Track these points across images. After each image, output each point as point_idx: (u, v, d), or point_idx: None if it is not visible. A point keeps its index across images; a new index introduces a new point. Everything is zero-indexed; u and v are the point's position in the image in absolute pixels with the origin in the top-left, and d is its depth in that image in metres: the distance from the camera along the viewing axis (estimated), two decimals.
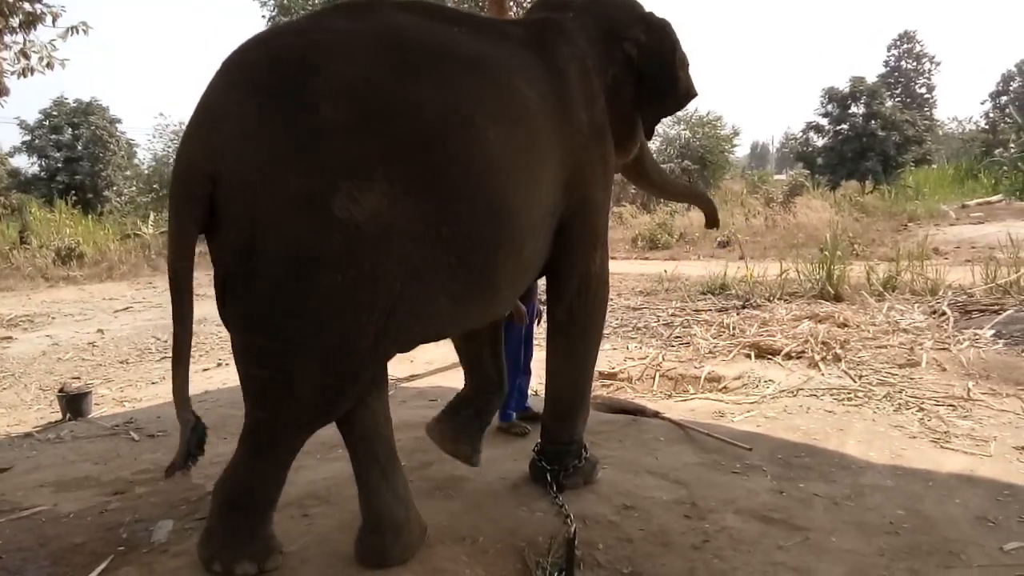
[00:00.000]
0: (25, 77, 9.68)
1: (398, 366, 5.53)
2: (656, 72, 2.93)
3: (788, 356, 4.95)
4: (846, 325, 5.74)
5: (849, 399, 4.02)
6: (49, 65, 9.61)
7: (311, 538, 2.59)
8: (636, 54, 2.87)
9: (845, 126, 24.00)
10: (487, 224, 2.21)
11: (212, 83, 2.07)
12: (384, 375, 2.48)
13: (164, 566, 2.45)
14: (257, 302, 2.04)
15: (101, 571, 2.43)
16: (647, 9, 3.04)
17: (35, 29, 9.58)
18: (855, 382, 4.33)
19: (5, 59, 9.81)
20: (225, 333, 7.65)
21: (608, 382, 4.74)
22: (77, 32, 9.79)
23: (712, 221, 3.56)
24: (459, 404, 3.02)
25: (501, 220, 2.24)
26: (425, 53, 2.17)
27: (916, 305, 6.47)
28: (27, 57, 9.54)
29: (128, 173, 24.46)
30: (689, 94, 3.06)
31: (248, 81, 2.01)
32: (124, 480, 3.39)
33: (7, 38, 9.57)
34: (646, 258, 12.96)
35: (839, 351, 4.90)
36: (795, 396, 4.11)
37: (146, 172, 22.26)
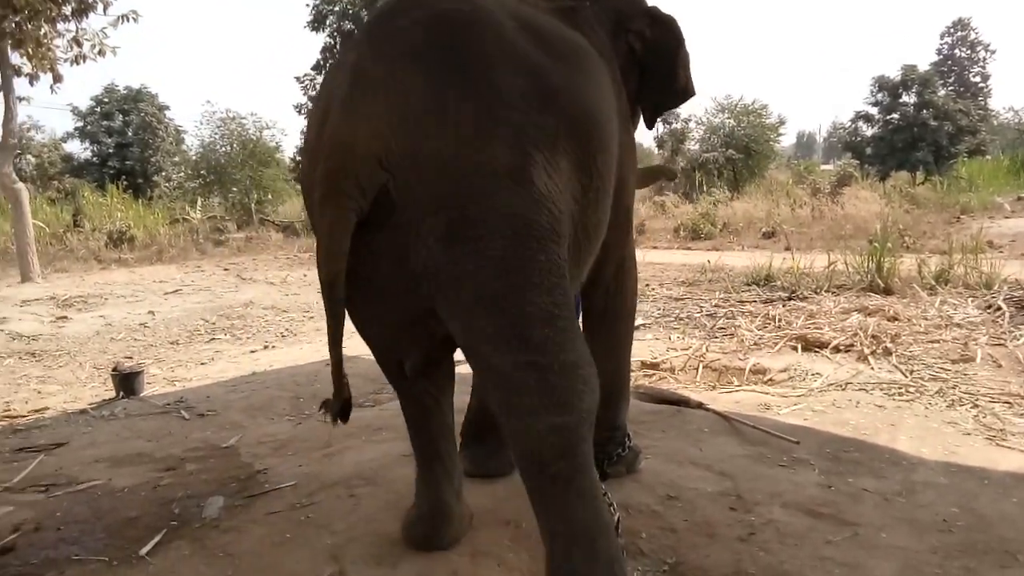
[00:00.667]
0: (78, 64, 9.97)
1: None
2: (657, 67, 2.89)
3: (836, 349, 4.86)
4: (896, 319, 5.61)
5: (900, 394, 3.93)
6: (101, 52, 9.88)
7: (357, 517, 2.63)
8: (639, 47, 2.84)
9: (896, 115, 23.40)
10: (605, 213, 2.20)
11: (356, 57, 1.84)
12: (453, 369, 2.48)
13: (215, 541, 2.51)
14: (485, 283, 1.79)
15: (155, 545, 2.50)
16: (654, 3, 3.00)
17: (87, 17, 9.87)
18: (906, 377, 4.23)
19: (58, 46, 10.11)
20: (272, 316, 7.79)
21: (650, 372, 4.70)
22: (127, 20, 10.05)
23: (670, 175, 3.62)
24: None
25: (607, 208, 2.23)
26: (551, 36, 2.08)
27: (970, 299, 6.29)
28: (79, 45, 9.82)
29: (176, 159, 24.95)
30: (687, 92, 3.02)
31: (409, 52, 1.80)
32: (175, 457, 3.48)
33: (60, 26, 9.85)
34: (688, 248, 12.82)
35: (889, 345, 4.79)
36: (844, 390, 4.03)
37: (193, 158, 22.66)
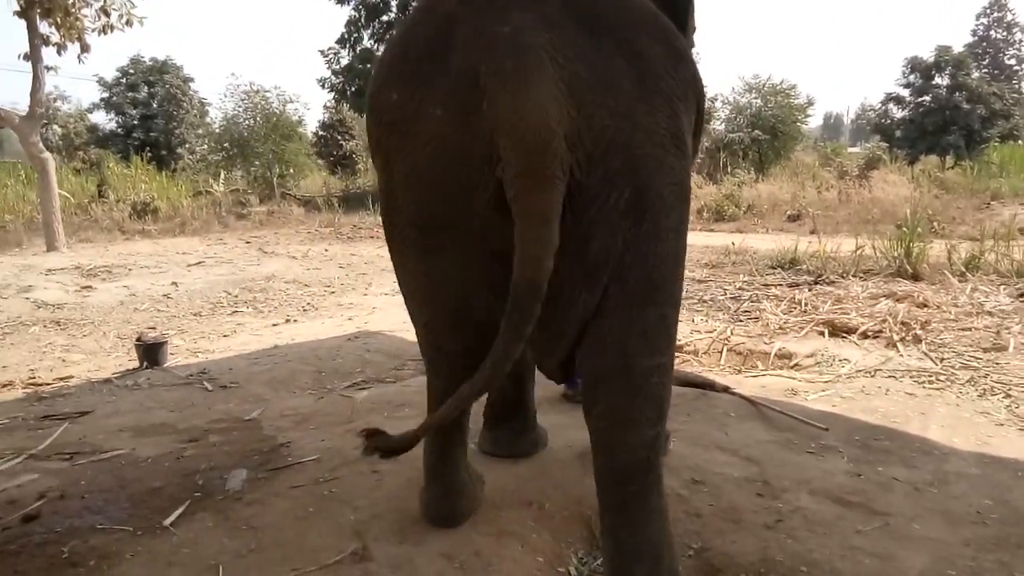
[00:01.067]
0: (105, 34, 9.97)
1: None
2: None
3: (864, 335, 4.77)
4: (926, 305, 5.50)
5: (930, 382, 3.85)
6: (128, 23, 9.87)
7: (380, 494, 2.62)
8: None
9: (927, 98, 22.98)
10: None
11: (509, 30, 1.61)
12: None
13: (238, 513, 2.50)
14: (662, 265, 1.74)
15: (178, 515, 2.50)
16: None
17: None
18: (936, 365, 4.14)
19: (86, 16, 10.11)
20: (294, 289, 7.83)
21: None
22: None
23: None
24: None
25: None
26: None
27: (1001, 287, 6.16)
28: (107, 14, 9.81)
29: (200, 131, 25.05)
30: (694, 30, 2.93)
31: (560, 19, 1.64)
32: (199, 428, 3.49)
33: None
34: (712, 230, 12.67)
35: (919, 332, 4.69)
36: (873, 377, 3.95)
37: (217, 131, 22.71)
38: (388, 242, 2.06)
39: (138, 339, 4.95)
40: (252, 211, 17.15)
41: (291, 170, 22.22)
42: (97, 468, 3.01)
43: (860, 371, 4.07)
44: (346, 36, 22.23)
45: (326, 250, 11.13)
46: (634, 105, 1.64)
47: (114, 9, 9.83)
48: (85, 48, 10.08)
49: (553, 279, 1.60)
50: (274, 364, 4.78)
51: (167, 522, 2.45)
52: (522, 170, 1.56)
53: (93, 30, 9.92)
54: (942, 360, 4.23)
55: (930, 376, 3.94)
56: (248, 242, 12.46)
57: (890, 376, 3.96)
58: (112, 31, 9.91)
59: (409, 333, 5.64)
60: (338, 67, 22.20)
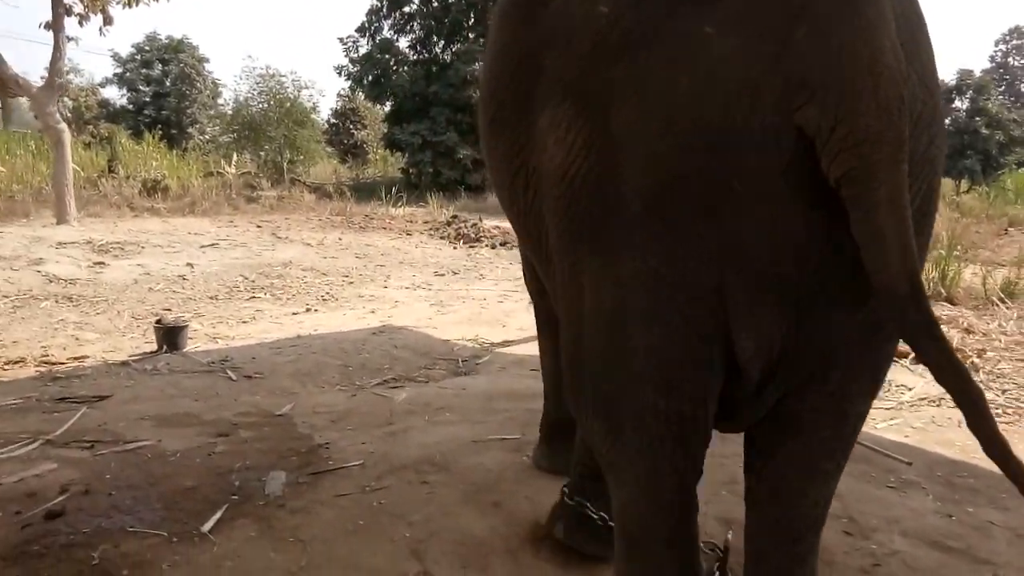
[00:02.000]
0: (131, 7, 9.74)
1: (492, 331, 5.33)
2: None
3: (916, 360, 4.56)
4: (971, 331, 5.30)
5: (998, 415, 3.64)
6: None
7: (434, 509, 2.40)
8: None
9: (946, 121, 22.78)
10: None
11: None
12: None
13: (283, 522, 2.29)
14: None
15: (216, 521, 2.29)
16: None
17: None
18: (1000, 396, 3.94)
19: None
20: (312, 278, 7.63)
21: None
22: None
23: None
24: None
25: None
26: None
27: None
28: None
29: (212, 112, 24.82)
30: None
31: None
32: (227, 422, 3.27)
33: None
34: None
35: (976, 360, 4.49)
36: (939, 406, 3.74)
37: (229, 113, 22.49)
38: (560, 230, 1.37)
39: (158, 321, 4.73)
40: (263, 195, 16.89)
41: (302, 156, 22.01)
42: (122, 460, 2.80)
43: (923, 399, 3.86)
44: (366, 25, 21.97)
45: (340, 238, 10.89)
46: (933, 82, 1.28)
47: None
48: (108, 20, 9.86)
49: (837, 288, 1.22)
50: (299, 355, 4.56)
51: (205, 528, 2.24)
52: (873, 134, 1.10)
53: (118, 3, 9.68)
54: (1004, 392, 4.02)
55: (997, 408, 3.73)
56: (259, 226, 12.21)
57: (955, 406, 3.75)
58: (138, 4, 9.68)
59: (436, 330, 5.46)
60: (356, 56, 21.93)
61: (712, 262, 1.20)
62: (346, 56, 22.08)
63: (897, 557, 2.24)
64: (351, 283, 7.35)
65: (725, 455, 2.56)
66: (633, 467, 1.37)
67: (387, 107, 22.48)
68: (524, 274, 2.79)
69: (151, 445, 2.96)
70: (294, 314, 5.90)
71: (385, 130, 22.57)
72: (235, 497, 2.47)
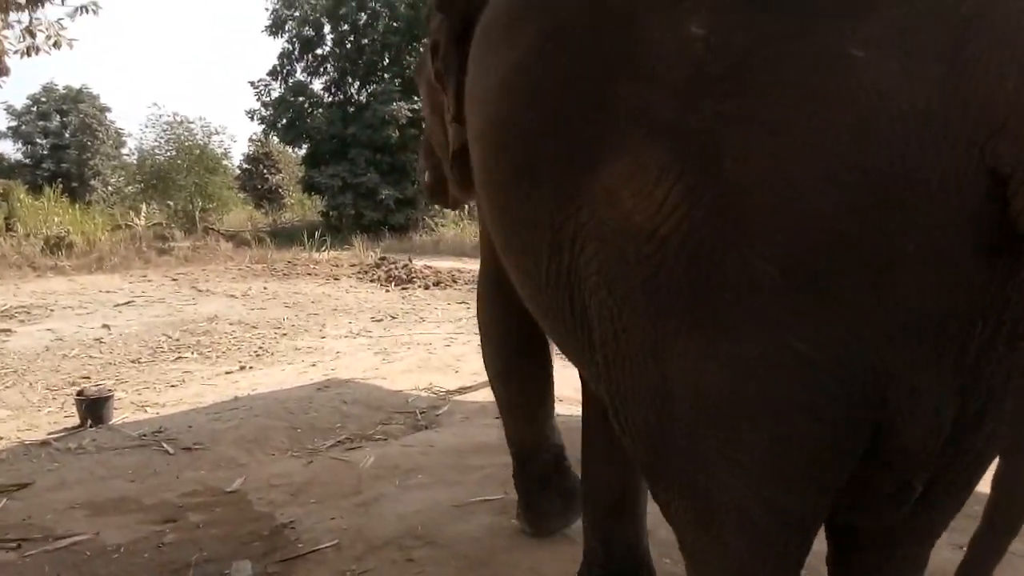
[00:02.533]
0: (29, 56, 9.11)
1: (444, 377, 5.12)
2: None
3: None
4: None
5: None
6: (56, 44, 9.04)
7: None
8: None
9: None
10: None
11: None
12: None
13: None
14: None
15: None
16: None
17: (42, 7, 9.05)
18: None
19: (7, 37, 9.25)
20: (241, 332, 7.19)
21: None
22: (86, 11, 9.28)
23: None
24: None
25: None
26: None
27: None
28: (33, 36, 8.99)
29: (115, 163, 23.80)
30: None
31: None
32: (171, 504, 2.94)
33: (12, 15, 9.02)
34: None
35: None
36: None
37: (135, 163, 21.61)
38: (635, 303, 1.10)
39: (79, 392, 4.30)
40: (175, 246, 16.15)
41: (214, 204, 21.29)
42: (56, 561, 2.45)
43: None
44: (278, 68, 21.56)
45: (265, 287, 10.44)
46: None
47: (41, 31, 8.99)
48: (4, 71, 9.19)
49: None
50: (240, 420, 4.21)
51: None
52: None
53: (16, 52, 9.06)
54: None
55: None
56: (175, 279, 11.61)
57: None
58: (38, 53, 9.06)
59: (386, 380, 5.19)
60: (269, 99, 21.46)
61: (875, 339, 0.96)
62: (258, 100, 21.58)
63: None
64: (284, 335, 6.98)
65: None
66: (725, 563, 1.16)
67: (303, 150, 22.03)
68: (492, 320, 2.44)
69: (88, 540, 2.61)
70: (227, 373, 5.51)
71: (302, 173, 22.09)
72: None
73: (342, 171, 19.05)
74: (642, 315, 1.10)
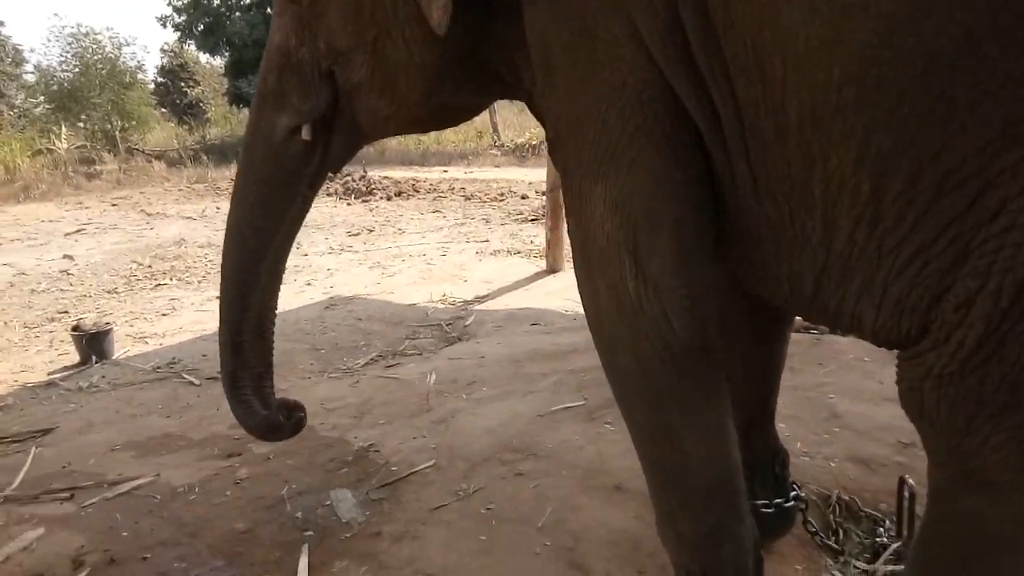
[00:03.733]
0: None
1: (456, 287, 4.94)
2: None
3: None
4: None
5: None
6: None
7: (557, 506, 2.05)
8: None
9: None
10: None
11: None
12: None
13: (393, 557, 1.87)
14: None
15: (309, 571, 1.84)
16: None
17: None
18: None
19: None
20: (215, 254, 6.84)
21: None
22: None
23: None
24: None
25: None
26: None
27: None
28: None
29: (17, 84, 21.86)
30: None
31: None
32: (226, 437, 2.74)
33: None
34: None
35: None
36: None
37: (41, 81, 19.82)
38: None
39: (75, 328, 3.96)
40: (103, 169, 15.16)
41: (133, 122, 19.87)
42: (126, 508, 2.24)
43: None
44: None
45: (218, 208, 9.88)
46: None
47: None
48: None
49: None
50: None
51: None
52: None
53: None
54: None
55: None
56: (115, 204, 10.89)
57: None
58: None
59: (394, 295, 4.96)
60: (181, 3, 19.76)
61: None
62: (169, 4, 19.86)
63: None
64: None
65: None
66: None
67: (225, 59, 20.57)
68: None
69: (150, 483, 2.40)
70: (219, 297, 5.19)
71: (226, 85, 20.74)
72: (309, 534, 2.01)
73: None
74: None
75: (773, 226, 1.12)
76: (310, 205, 1.69)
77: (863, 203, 1.02)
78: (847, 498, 2.06)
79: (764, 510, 1.71)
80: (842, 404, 2.58)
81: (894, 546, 1.89)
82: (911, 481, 1.89)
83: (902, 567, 1.83)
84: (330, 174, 1.70)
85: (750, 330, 1.61)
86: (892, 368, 2.84)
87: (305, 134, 1.50)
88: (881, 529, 1.98)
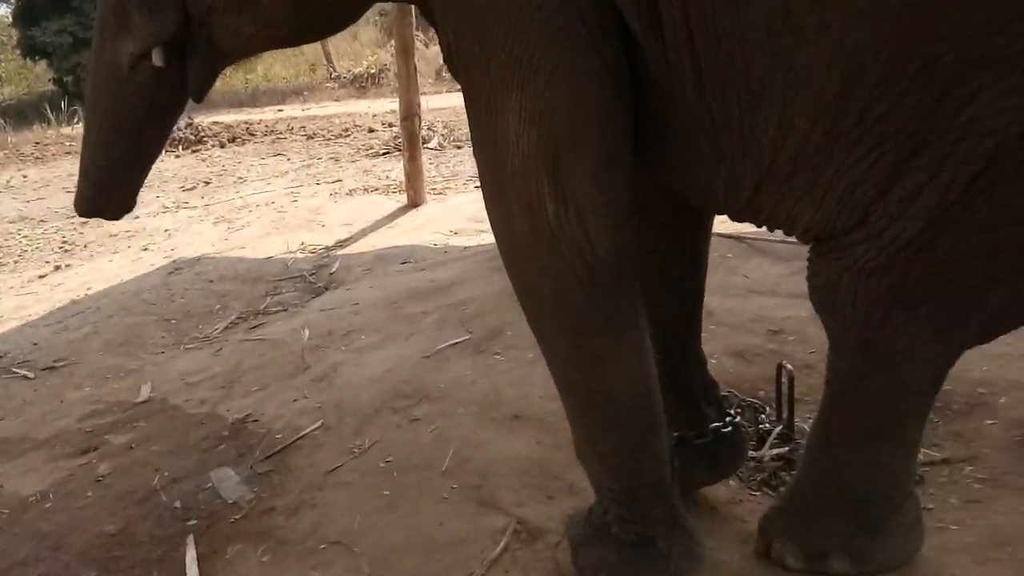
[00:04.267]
0: None
1: (313, 234, 4.67)
2: None
3: None
4: None
5: None
6: None
7: (457, 447, 1.98)
8: None
9: None
10: None
11: None
12: None
13: (292, 531, 1.74)
14: None
15: (199, 560, 1.68)
16: None
17: None
18: None
19: None
20: (30, 229, 6.11)
21: None
22: None
23: None
24: None
25: None
26: None
27: None
28: None
29: None
30: None
31: None
32: (76, 432, 2.45)
33: None
34: None
35: None
36: None
37: None
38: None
39: None
40: None
41: None
42: None
43: None
44: None
45: (25, 176, 8.81)
46: None
47: None
48: None
49: None
50: (94, 324, 3.57)
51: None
52: None
53: None
54: None
55: None
56: None
57: None
58: None
59: (246, 249, 4.62)
60: None
61: None
62: None
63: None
64: (85, 223, 5.96)
65: None
66: None
67: (11, 5, 18.17)
68: None
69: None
70: (40, 278, 4.64)
71: (17, 35, 18.35)
72: (192, 523, 1.84)
73: (69, 25, 16.05)
74: None
75: (716, 126, 1.04)
76: (167, 139, 1.50)
77: (828, 101, 0.95)
78: (728, 391, 2.12)
79: (698, 440, 1.60)
80: (713, 301, 2.64)
81: (777, 430, 1.98)
82: (789, 367, 1.97)
83: (787, 449, 1.92)
84: None
85: (669, 235, 1.49)
86: (753, 262, 2.95)
87: (156, 59, 1.30)
88: (763, 416, 2.07)
